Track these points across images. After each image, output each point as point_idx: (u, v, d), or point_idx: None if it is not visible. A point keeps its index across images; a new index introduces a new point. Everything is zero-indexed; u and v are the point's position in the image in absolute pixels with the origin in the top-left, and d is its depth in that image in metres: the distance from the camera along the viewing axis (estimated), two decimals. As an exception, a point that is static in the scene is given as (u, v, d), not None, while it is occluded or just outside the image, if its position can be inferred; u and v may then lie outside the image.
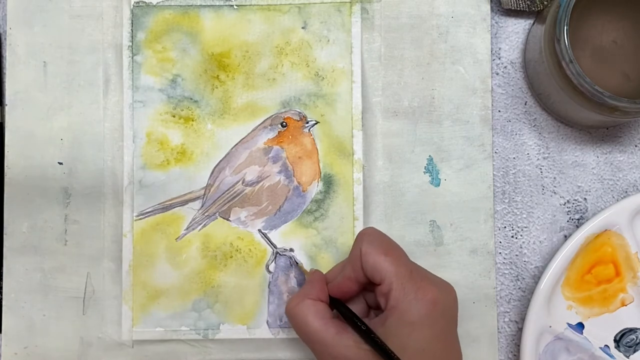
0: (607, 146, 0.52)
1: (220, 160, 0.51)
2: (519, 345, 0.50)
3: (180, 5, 0.51)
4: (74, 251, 0.51)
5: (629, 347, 0.49)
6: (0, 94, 0.52)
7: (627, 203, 0.49)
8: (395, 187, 0.51)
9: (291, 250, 0.50)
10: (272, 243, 0.50)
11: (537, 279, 0.51)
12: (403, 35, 0.51)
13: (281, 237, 0.50)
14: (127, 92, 0.51)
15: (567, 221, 0.52)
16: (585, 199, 0.52)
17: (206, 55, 0.51)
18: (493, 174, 0.51)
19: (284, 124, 0.51)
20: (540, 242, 0.52)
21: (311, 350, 0.43)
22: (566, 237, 0.51)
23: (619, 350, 0.49)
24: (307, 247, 0.50)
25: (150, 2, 0.51)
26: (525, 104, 0.52)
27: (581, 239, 0.49)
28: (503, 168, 0.52)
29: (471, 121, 0.51)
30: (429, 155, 0.51)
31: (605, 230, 0.49)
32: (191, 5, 0.51)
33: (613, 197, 0.52)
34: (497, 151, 0.52)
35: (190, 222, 0.51)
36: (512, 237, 0.52)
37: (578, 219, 0.52)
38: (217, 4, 0.51)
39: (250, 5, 0.51)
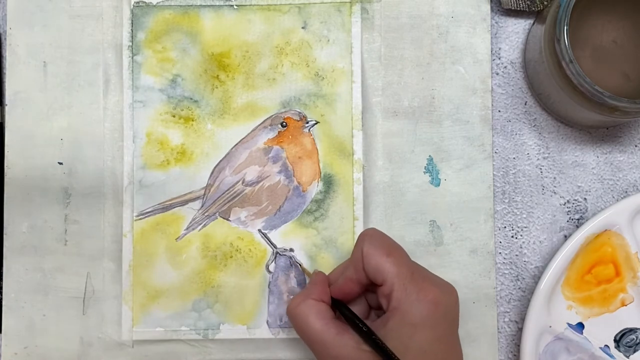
0: (607, 146, 0.52)
1: (220, 160, 0.51)
2: (519, 345, 0.50)
3: (180, 5, 0.51)
4: (74, 251, 0.51)
5: (629, 347, 0.49)
6: (0, 94, 0.52)
7: (627, 203, 0.49)
8: (395, 187, 0.51)
9: (291, 250, 0.50)
10: (272, 243, 0.50)
11: (537, 279, 0.51)
12: (403, 35, 0.51)
13: (281, 237, 0.50)
14: (127, 92, 0.51)
15: (567, 221, 0.52)
16: (585, 199, 0.52)
17: (206, 55, 0.51)
18: (493, 174, 0.51)
19: (284, 124, 0.51)
20: (540, 242, 0.52)
21: (311, 350, 0.43)
22: (566, 237, 0.51)
23: (619, 350, 0.49)
24: (307, 247, 0.50)
25: (150, 2, 0.51)
26: (525, 104, 0.52)
27: (581, 239, 0.49)
28: (503, 168, 0.52)
29: (471, 121, 0.51)
30: (429, 155, 0.51)
31: (605, 230, 0.49)
32: (191, 5, 0.51)
33: (613, 197, 0.52)
34: (497, 151, 0.52)
35: (190, 222, 0.51)
36: (512, 237, 0.52)
37: (578, 219, 0.52)
38: (217, 4, 0.51)
39: (250, 5, 0.51)
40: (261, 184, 0.51)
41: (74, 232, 0.51)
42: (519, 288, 0.51)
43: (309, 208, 0.51)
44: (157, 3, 0.51)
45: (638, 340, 0.49)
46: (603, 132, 0.52)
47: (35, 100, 0.51)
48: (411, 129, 0.51)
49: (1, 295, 0.51)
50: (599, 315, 0.49)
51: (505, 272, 0.51)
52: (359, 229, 0.50)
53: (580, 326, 0.49)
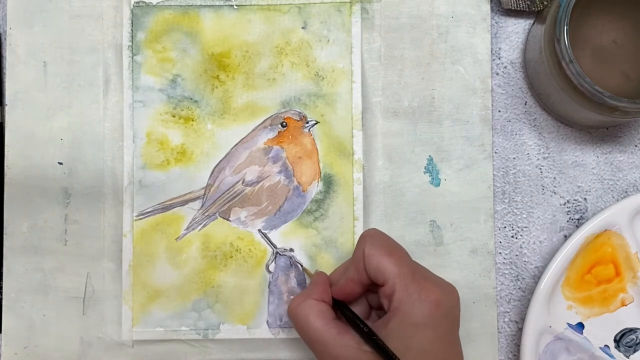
0: (607, 146, 0.52)
1: (220, 160, 0.51)
2: (519, 345, 0.50)
3: (180, 5, 0.51)
4: (74, 251, 0.51)
5: (629, 347, 0.49)
6: (0, 94, 0.52)
7: (627, 203, 0.49)
8: (395, 187, 0.51)
9: (291, 250, 0.50)
10: (272, 243, 0.50)
11: (537, 279, 0.51)
12: (403, 35, 0.51)
13: (281, 237, 0.50)
14: (127, 92, 0.51)
15: (567, 221, 0.52)
16: (585, 199, 0.52)
17: (206, 55, 0.51)
18: (493, 174, 0.51)
19: (284, 124, 0.51)
20: (540, 242, 0.52)
21: (312, 350, 0.43)
22: (566, 237, 0.51)
23: (619, 350, 0.49)
24: (307, 247, 0.50)
25: (150, 2, 0.51)
26: (525, 104, 0.52)
27: (581, 239, 0.49)
28: (503, 168, 0.52)
29: (471, 121, 0.51)
30: (429, 155, 0.51)
31: (605, 230, 0.49)
32: (191, 5, 0.51)
33: (613, 197, 0.52)
34: (497, 151, 0.52)
35: (190, 222, 0.51)
36: (512, 237, 0.52)
37: (578, 219, 0.52)
38: (217, 4, 0.51)
39: (250, 5, 0.51)
40: (261, 184, 0.51)
41: (74, 232, 0.51)
42: (519, 288, 0.51)
43: (309, 208, 0.51)
44: (157, 3, 0.51)
45: (638, 340, 0.49)
46: (603, 132, 0.52)
47: (35, 100, 0.51)
48: (411, 129, 0.51)
49: (1, 295, 0.51)
50: (599, 315, 0.49)
51: (505, 272, 0.51)
52: (359, 229, 0.50)
53: (580, 326, 0.49)
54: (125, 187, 0.50)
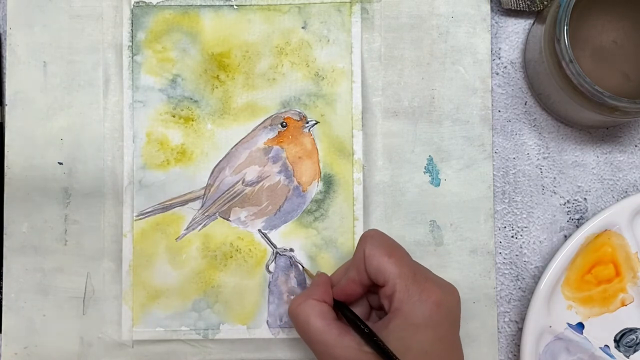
0: (607, 146, 0.52)
1: (220, 160, 0.51)
2: (519, 345, 0.50)
3: (180, 5, 0.51)
4: (74, 251, 0.51)
5: (629, 347, 0.49)
6: (0, 94, 0.52)
7: (627, 203, 0.49)
8: (395, 187, 0.51)
9: (291, 250, 0.50)
10: (272, 243, 0.50)
11: (537, 279, 0.51)
12: (403, 35, 0.51)
13: (281, 237, 0.50)
14: (127, 92, 0.51)
15: (567, 221, 0.52)
16: (585, 199, 0.52)
17: (206, 55, 0.51)
18: (493, 174, 0.51)
19: (284, 124, 0.51)
20: (540, 242, 0.52)
21: (312, 350, 0.43)
22: (566, 237, 0.51)
23: (619, 350, 0.49)
24: (307, 247, 0.50)
25: (150, 2, 0.51)
26: (525, 104, 0.52)
27: (581, 239, 0.49)
28: (503, 168, 0.52)
29: (471, 121, 0.51)
30: (429, 155, 0.51)
31: (605, 230, 0.49)
32: (191, 5, 0.51)
33: (613, 197, 0.52)
34: (497, 151, 0.52)
35: (190, 222, 0.51)
36: (512, 237, 0.52)
37: (578, 219, 0.52)
38: (217, 4, 0.51)
39: (250, 5, 0.51)
40: (261, 184, 0.51)
41: (74, 232, 0.51)
42: (519, 288, 0.51)
43: (309, 208, 0.51)
44: (157, 3, 0.51)
45: (638, 340, 0.49)
46: (603, 132, 0.52)
47: (35, 100, 0.51)
48: (411, 129, 0.51)
49: (1, 295, 0.51)
50: (599, 315, 0.49)
51: (505, 272, 0.51)
52: (359, 229, 0.50)
53: (580, 326, 0.49)
54: (125, 187, 0.51)
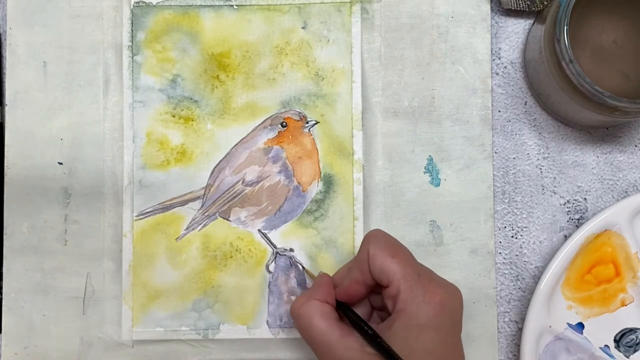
0: (607, 146, 0.52)
1: (220, 160, 0.51)
2: (519, 345, 0.50)
3: (180, 5, 0.51)
4: (74, 251, 0.51)
5: (629, 347, 0.49)
6: (0, 94, 0.52)
7: (627, 203, 0.49)
8: (395, 187, 0.51)
9: (291, 250, 0.50)
10: (272, 243, 0.50)
11: (537, 279, 0.51)
12: (403, 35, 0.51)
13: (281, 237, 0.50)
14: (127, 92, 0.51)
15: (567, 221, 0.52)
16: (585, 199, 0.52)
17: (206, 55, 0.51)
18: (493, 174, 0.51)
19: (284, 124, 0.51)
20: (540, 242, 0.52)
21: (314, 351, 0.43)
22: (566, 237, 0.51)
23: (619, 350, 0.49)
24: (307, 247, 0.50)
25: (150, 2, 0.51)
26: (525, 104, 0.52)
27: (581, 239, 0.49)
28: (503, 168, 0.52)
29: (471, 121, 0.51)
30: (429, 155, 0.51)
31: (605, 230, 0.49)
32: (191, 5, 0.51)
33: (613, 197, 0.52)
34: (497, 151, 0.52)
35: (190, 222, 0.51)
36: (512, 237, 0.52)
37: (578, 219, 0.52)
38: (217, 4, 0.51)
39: (250, 5, 0.51)
40: (261, 184, 0.51)
41: (74, 232, 0.51)
42: (519, 288, 0.51)
43: (309, 208, 0.51)
44: (157, 3, 0.51)
45: (638, 340, 0.49)
46: (603, 132, 0.52)
47: (35, 100, 0.51)
48: (411, 129, 0.51)
49: (1, 295, 0.51)
50: (599, 315, 0.49)
51: (505, 272, 0.51)
52: (359, 229, 0.50)
53: (580, 326, 0.49)
54: (125, 187, 0.51)
